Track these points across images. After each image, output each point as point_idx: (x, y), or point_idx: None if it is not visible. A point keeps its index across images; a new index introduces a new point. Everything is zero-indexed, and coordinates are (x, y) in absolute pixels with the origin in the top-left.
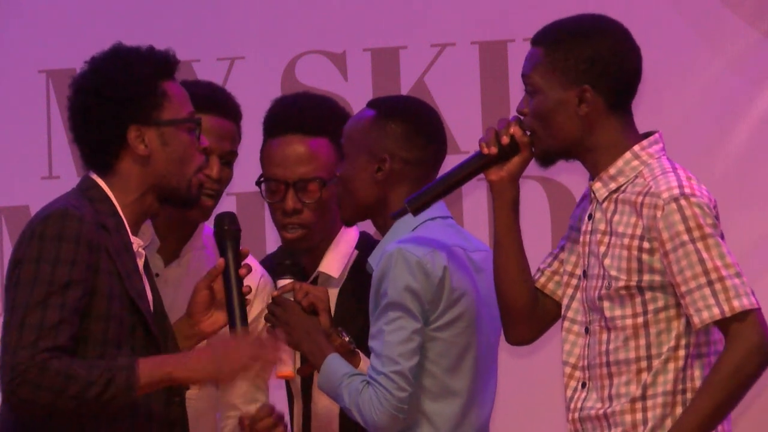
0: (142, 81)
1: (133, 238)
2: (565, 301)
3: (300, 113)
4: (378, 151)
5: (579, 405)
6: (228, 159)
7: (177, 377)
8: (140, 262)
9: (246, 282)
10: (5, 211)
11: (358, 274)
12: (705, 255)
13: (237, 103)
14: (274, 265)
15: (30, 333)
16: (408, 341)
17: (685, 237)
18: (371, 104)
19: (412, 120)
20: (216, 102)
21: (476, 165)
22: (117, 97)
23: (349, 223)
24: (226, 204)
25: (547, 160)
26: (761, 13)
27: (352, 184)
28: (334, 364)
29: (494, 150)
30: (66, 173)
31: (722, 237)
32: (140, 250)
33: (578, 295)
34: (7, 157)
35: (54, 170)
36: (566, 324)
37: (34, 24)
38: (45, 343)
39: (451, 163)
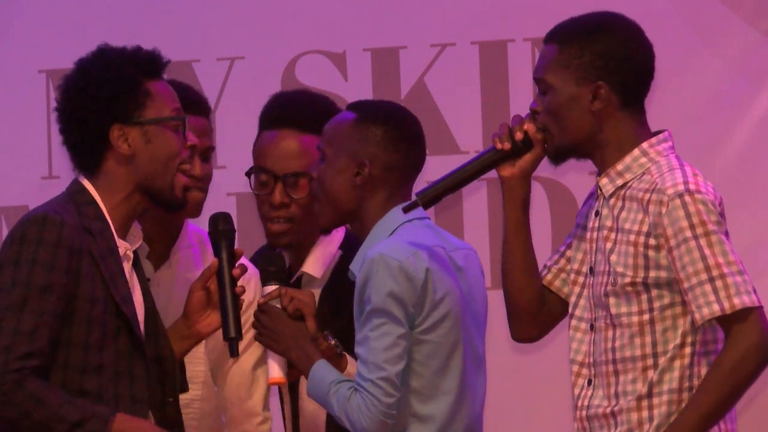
0: (124, 80)
1: (119, 242)
2: (572, 300)
3: (296, 109)
4: (359, 155)
5: (586, 403)
6: (206, 155)
7: None
8: (127, 266)
9: (240, 282)
10: (5, 211)
11: (342, 275)
12: (707, 251)
13: (206, 98)
14: (258, 271)
15: (5, 337)
16: (393, 347)
17: (688, 233)
18: (351, 107)
19: (394, 125)
20: (184, 100)
21: (489, 160)
22: (99, 96)
23: (326, 230)
24: (226, 204)
25: (558, 156)
26: (761, 13)
27: (330, 187)
28: (321, 371)
29: (508, 145)
30: (66, 173)
31: (727, 234)
32: (128, 253)
33: (585, 292)
34: (7, 157)
35: (54, 170)
36: (573, 322)
37: (34, 24)
38: (19, 348)
39: (449, 163)
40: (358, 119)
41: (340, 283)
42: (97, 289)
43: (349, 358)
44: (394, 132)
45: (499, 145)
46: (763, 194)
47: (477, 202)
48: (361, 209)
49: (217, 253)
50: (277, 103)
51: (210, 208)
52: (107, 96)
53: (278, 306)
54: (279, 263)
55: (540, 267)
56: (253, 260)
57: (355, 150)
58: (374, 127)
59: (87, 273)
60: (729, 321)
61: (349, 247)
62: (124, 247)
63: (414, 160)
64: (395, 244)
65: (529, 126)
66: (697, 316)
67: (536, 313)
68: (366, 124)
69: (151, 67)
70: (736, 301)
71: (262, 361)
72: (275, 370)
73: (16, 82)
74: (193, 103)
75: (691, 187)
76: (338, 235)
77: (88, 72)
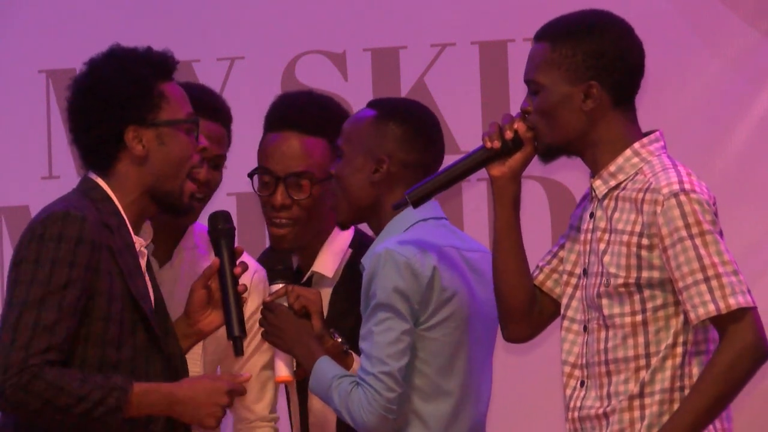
0: (139, 82)
1: (135, 238)
2: (564, 300)
3: (300, 111)
4: (377, 152)
5: (578, 404)
6: (216, 162)
7: (166, 411)
8: (143, 262)
9: (241, 280)
10: (5, 211)
11: (352, 273)
12: (703, 251)
13: (227, 106)
14: (266, 270)
15: (25, 332)
16: (397, 342)
17: (684, 233)
18: (372, 104)
19: (413, 122)
20: (202, 105)
21: (479, 159)
22: (114, 98)
23: (344, 226)
24: (226, 204)
25: (548, 155)
26: (761, 13)
27: (348, 183)
28: (324, 366)
29: (497, 144)
30: (66, 173)
31: (721, 234)
32: (142, 249)
33: (578, 293)
34: (7, 157)
35: (54, 170)
36: (566, 323)
37: (34, 24)
38: (39, 343)
39: (449, 162)
40: (378, 116)
41: (351, 281)
42: (116, 285)
43: (355, 356)
44: (413, 130)
45: (488, 144)
46: (763, 194)
47: (476, 200)
48: (378, 206)
49: (217, 252)
50: (280, 104)
51: (210, 208)
52: (124, 98)
53: (285, 304)
54: (286, 262)
55: (533, 267)
56: (260, 260)
57: (373, 147)
58: (393, 125)
59: (106, 269)
60: (724, 321)
61: (359, 246)
62: (139, 243)
63: (432, 158)
64: (404, 240)
65: (519, 125)
66: (692, 315)
67: (528, 313)
68: (385, 121)
69: (163, 68)
70: (732, 301)
71: (271, 365)
72: (282, 369)
73: (16, 82)
74: (211, 109)
75: (686, 186)
76: (348, 233)
77: (101, 73)
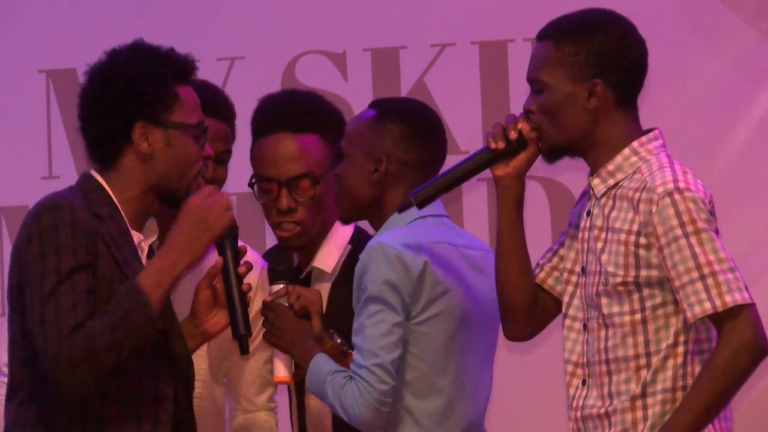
0: (156, 80)
1: (133, 233)
2: (565, 299)
3: (288, 111)
4: (375, 152)
5: (581, 403)
6: (221, 158)
7: (176, 263)
8: (142, 256)
9: (246, 279)
10: (5, 211)
11: (351, 269)
12: (698, 249)
13: (230, 102)
14: (267, 270)
15: (51, 324)
16: (388, 334)
17: (679, 231)
18: (373, 105)
19: (412, 122)
20: (207, 103)
21: (483, 160)
22: (128, 91)
23: (346, 222)
24: None
25: (553, 155)
26: (761, 13)
27: (349, 183)
28: (320, 363)
29: (501, 145)
30: (66, 173)
31: (717, 232)
32: (142, 244)
33: (578, 292)
34: (7, 157)
35: (54, 170)
36: (567, 322)
37: (34, 24)
38: (67, 324)
39: (451, 163)
40: (377, 116)
41: (349, 277)
42: (114, 271)
43: None
44: (411, 129)
45: (493, 145)
46: (763, 194)
47: (476, 200)
48: (379, 205)
49: (221, 252)
50: (268, 107)
51: None
52: (138, 93)
53: (285, 304)
54: (287, 262)
55: (533, 265)
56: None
57: (371, 147)
58: (391, 124)
59: (103, 254)
60: (721, 319)
61: (359, 242)
62: (137, 237)
63: (432, 157)
64: (397, 234)
65: (523, 125)
66: (689, 314)
67: (529, 311)
68: (383, 121)
69: (183, 71)
70: (728, 298)
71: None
72: (281, 370)
73: (16, 82)
74: (214, 107)
75: (681, 185)
76: (348, 229)
77: (121, 65)
